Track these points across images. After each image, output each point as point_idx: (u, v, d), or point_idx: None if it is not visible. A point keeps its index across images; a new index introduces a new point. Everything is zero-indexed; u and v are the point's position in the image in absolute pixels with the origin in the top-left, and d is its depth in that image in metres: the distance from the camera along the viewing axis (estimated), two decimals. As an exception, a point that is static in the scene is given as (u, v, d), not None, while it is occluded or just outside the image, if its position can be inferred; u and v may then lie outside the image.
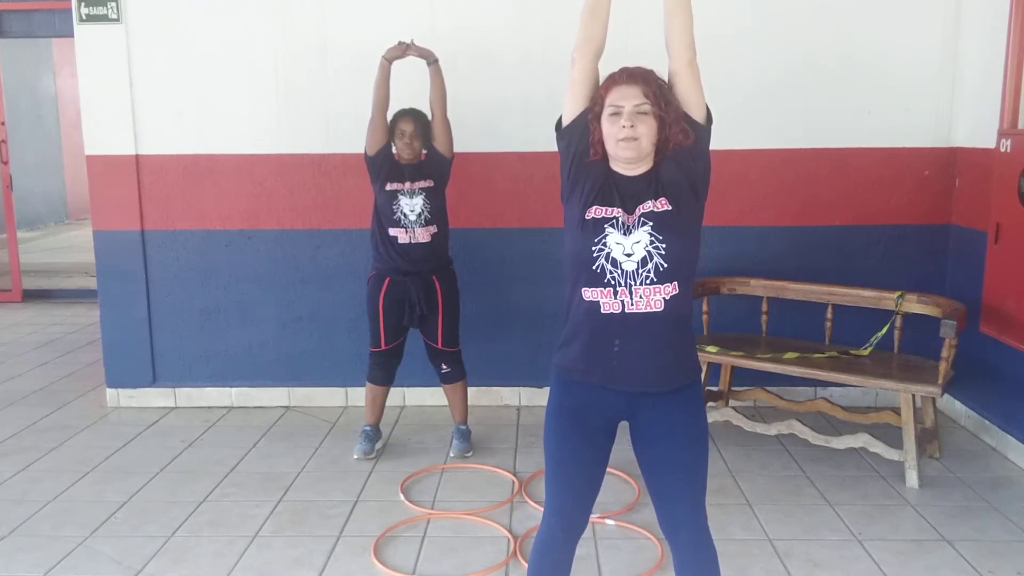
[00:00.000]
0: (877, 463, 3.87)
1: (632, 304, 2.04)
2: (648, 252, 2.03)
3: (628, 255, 2.03)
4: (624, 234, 2.05)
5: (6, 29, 6.67)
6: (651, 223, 2.04)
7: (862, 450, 3.88)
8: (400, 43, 3.82)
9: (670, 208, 2.06)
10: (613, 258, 2.04)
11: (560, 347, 2.19)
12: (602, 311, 2.06)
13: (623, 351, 2.07)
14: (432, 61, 3.85)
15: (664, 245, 2.03)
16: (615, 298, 2.05)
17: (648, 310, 2.04)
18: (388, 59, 3.80)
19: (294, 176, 4.56)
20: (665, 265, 2.03)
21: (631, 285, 2.03)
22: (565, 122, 2.17)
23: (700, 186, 2.12)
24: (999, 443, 4.04)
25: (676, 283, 2.05)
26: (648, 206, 2.06)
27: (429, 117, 3.89)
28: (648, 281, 2.03)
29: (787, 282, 4.29)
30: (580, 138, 2.14)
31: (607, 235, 2.05)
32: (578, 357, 2.13)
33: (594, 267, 2.05)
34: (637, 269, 2.03)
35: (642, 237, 2.03)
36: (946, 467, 3.87)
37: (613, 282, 2.04)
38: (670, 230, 2.04)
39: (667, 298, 2.04)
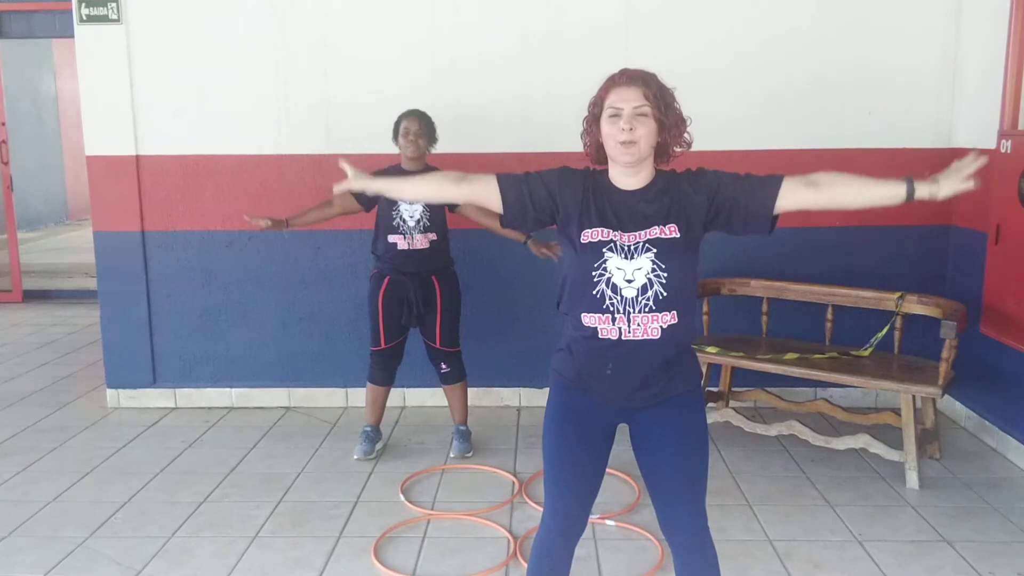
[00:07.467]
0: (877, 464, 3.87)
1: (629, 331, 2.02)
2: (649, 279, 2.00)
3: (629, 281, 2.01)
4: (625, 258, 2.02)
5: (6, 29, 6.67)
6: (655, 250, 2.01)
7: (862, 451, 3.88)
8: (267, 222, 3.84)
9: (678, 236, 2.02)
10: (613, 283, 2.01)
11: (557, 352, 2.19)
12: (599, 336, 2.04)
13: (616, 374, 2.06)
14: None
15: (666, 274, 2.00)
16: (613, 324, 2.02)
17: (644, 337, 2.02)
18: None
19: (294, 176, 4.56)
20: (664, 293, 2.00)
21: (629, 312, 2.01)
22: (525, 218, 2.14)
23: (720, 218, 2.07)
24: (999, 444, 4.04)
25: (675, 312, 2.02)
26: (655, 231, 2.02)
27: (433, 120, 3.89)
28: (647, 309, 2.01)
29: (787, 283, 4.29)
30: (551, 204, 2.10)
31: (607, 260, 2.02)
32: (573, 374, 2.13)
33: (594, 292, 2.03)
34: (637, 296, 2.00)
35: (644, 264, 2.00)
36: (946, 468, 3.86)
37: (612, 308, 2.02)
38: (673, 258, 2.01)
39: (664, 327, 2.02)
